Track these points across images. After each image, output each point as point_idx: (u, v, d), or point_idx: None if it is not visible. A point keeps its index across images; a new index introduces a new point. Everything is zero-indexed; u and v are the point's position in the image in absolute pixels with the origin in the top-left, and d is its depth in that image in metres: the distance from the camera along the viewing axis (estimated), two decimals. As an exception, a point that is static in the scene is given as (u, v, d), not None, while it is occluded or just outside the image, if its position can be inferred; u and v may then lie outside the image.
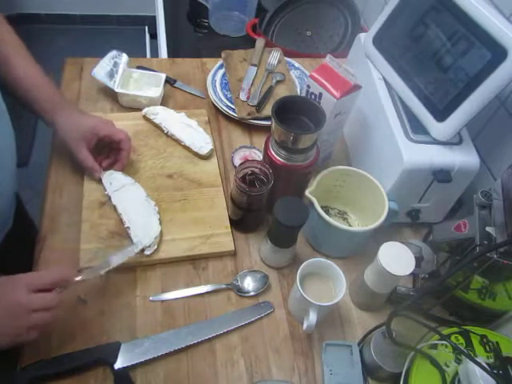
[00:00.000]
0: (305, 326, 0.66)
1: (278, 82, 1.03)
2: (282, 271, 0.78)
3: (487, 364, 0.54)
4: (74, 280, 0.62)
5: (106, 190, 0.79)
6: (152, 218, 0.76)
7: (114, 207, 0.78)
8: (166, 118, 0.92)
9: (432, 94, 0.75)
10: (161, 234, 0.75)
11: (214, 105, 1.01)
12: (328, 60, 0.78)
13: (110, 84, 0.93)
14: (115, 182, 0.80)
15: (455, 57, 0.71)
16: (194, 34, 1.39)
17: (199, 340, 0.67)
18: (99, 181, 0.80)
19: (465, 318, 0.73)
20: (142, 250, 0.73)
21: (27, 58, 0.76)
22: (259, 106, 0.97)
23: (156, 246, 0.74)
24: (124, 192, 0.79)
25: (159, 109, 0.93)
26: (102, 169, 0.81)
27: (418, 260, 0.73)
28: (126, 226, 0.75)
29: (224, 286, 0.73)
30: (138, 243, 0.72)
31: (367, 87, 0.81)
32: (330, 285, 0.70)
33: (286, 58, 1.10)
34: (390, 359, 0.63)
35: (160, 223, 0.76)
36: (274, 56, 1.08)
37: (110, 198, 0.78)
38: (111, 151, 0.83)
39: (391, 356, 0.63)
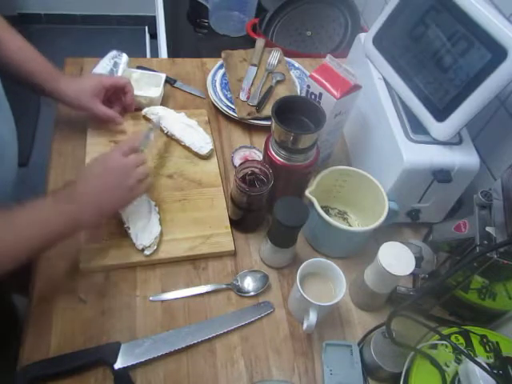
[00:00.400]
0: (305, 326, 0.66)
1: (278, 81, 1.03)
2: (282, 271, 0.78)
3: (487, 364, 0.54)
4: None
5: None
6: (152, 219, 0.76)
7: None
8: (166, 118, 0.92)
9: (432, 94, 0.75)
10: (161, 234, 0.75)
11: (214, 105, 1.01)
12: (328, 60, 0.78)
13: (110, 84, 0.93)
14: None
15: (455, 57, 0.71)
16: (194, 34, 1.39)
17: (199, 340, 0.67)
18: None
19: (465, 318, 0.73)
20: (142, 250, 0.73)
21: (17, 35, 0.78)
22: (259, 106, 0.97)
23: (156, 247, 0.74)
24: None
25: (159, 109, 0.93)
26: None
27: (418, 260, 0.73)
28: (125, 226, 0.75)
29: (224, 286, 0.73)
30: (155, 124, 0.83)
31: (367, 87, 0.81)
32: (329, 285, 0.70)
33: (286, 58, 1.10)
34: (390, 359, 0.63)
35: (160, 223, 0.76)
36: (274, 56, 1.08)
37: None
38: (115, 102, 0.89)
39: (391, 356, 0.63)
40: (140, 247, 0.73)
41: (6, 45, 0.75)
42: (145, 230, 0.74)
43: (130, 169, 0.69)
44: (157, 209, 0.78)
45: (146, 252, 0.73)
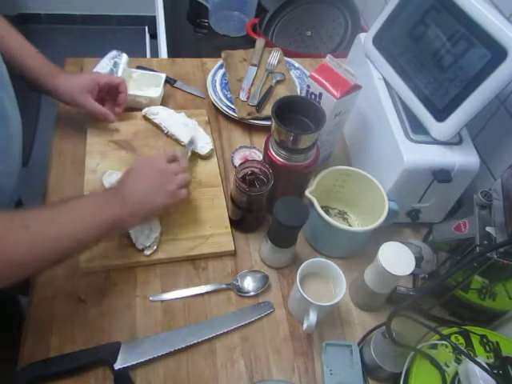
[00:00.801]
0: (305, 326, 0.65)
1: (278, 82, 1.03)
2: (282, 271, 0.78)
3: (487, 364, 0.54)
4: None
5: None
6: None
7: None
8: (166, 118, 0.92)
9: (432, 94, 0.75)
10: (161, 234, 0.75)
11: (214, 105, 1.01)
12: (328, 60, 0.78)
13: (110, 84, 0.93)
14: (115, 180, 0.80)
15: (455, 57, 0.71)
16: (193, 34, 1.39)
17: (199, 340, 0.67)
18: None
19: (465, 318, 0.73)
20: (142, 250, 0.73)
21: (18, 34, 0.79)
22: (259, 106, 0.97)
23: (156, 247, 0.74)
24: None
25: (159, 109, 0.93)
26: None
27: (418, 260, 0.73)
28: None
29: (224, 286, 0.73)
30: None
31: (367, 87, 0.81)
32: (329, 285, 0.70)
33: (286, 58, 1.10)
34: (390, 359, 0.63)
35: (160, 223, 0.76)
36: (274, 56, 1.08)
37: None
38: (108, 100, 0.89)
39: (391, 356, 0.63)
40: (140, 247, 0.73)
41: (8, 42, 0.76)
42: (145, 230, 0.74)
43: (170, 175, 0.70)
44: None
45: (146, 252, 0.73)
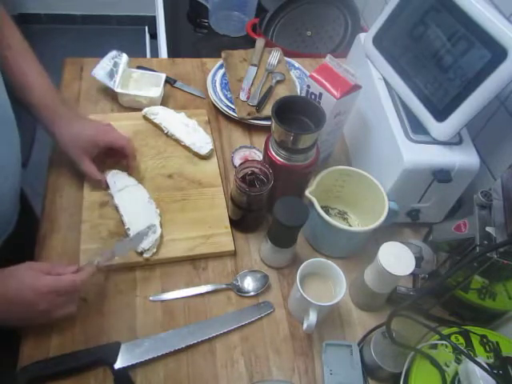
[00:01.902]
0: (305, 326, 0.65)
1: (278, 81, 1.03)
2: (282, 271, 0.78)
3: (487, 364, 0.54)
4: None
5: (109, 189, 0.79)
6: (153, 222, 0.75)
7: (116, 207, 0.78)
8: (166, 117, 0.92)
9: (432, 94, 0.75)
10: (161, 235, 0.75)
11: (214, 105, 1.01)
12: (328, 60, 0.78)
13: (110, 84, 0.93)
14: (119, 181, 0.80)
15: (455, 57, 0.71)
16: (193, 34, 1.39)
17: (199, 340, 0.67)
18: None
19: (465, 318, 0.73)
20: (141, 253, 0.73)
21: (33, 62, 0.75)
22: (259, 106, 0.97)
23: (155, 250, 0.73)
24: (126, 193, 0.79)
25: (159, 109, 0.93)
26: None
27: (418, 260, 0.73)
28: (126, 227, 0.75)
29: (224, 286, 0.73)
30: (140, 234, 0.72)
31: (367, 87, 0.81)
32: (329, 285, 0.70)
33: (286, 58, 1.10)
34: (390, 359, 0.63)
35: (161, 226, 0.76)
36: (274, 56, 1.08)
37: (112, 197, 0.78)
38: (116, 153, 0.82)
39: (391, 356, 0.63)
40: (139, 250, 0.72)
41: (23, 78, 0.73)
42: (144, 234, 0.73)
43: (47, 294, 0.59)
44: (158, 211, 0.78)
45: (146, 255, 0.73)
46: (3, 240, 0.76)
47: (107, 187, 0.80)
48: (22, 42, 0.76)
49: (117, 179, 0.80)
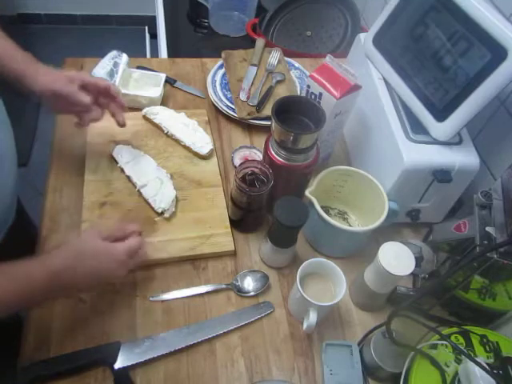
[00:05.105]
0: (305, 326, 0.66)
1: (278, 81, 1.03)
2: (282, 271, 0.78)
3: (487, 364, 0.54)
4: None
5: (117, 163, 0.83)
6: (166, 183, 0.80)
7: (128, 178, 0.82)
8: (166, 118, 0.92)
9: (432, 94, 0.75)
10: (176, 199, 0.79)
11: (214, 105, 1.01)
12: (328, 60, 0.78)
13: (110, 84, 0.93)
14: (126, 154, 0.84)
15: (455, 57, 0.71)
16: (193, 34, 1.39)
17: (199, 340, 0.67)
18: (110, 157, 0.85)
19: (465, 318, 0.73)
20: (162, 213, 0.77)
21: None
22: (259, 106, 0.97)
23: (174, 209, 0.78)
24: (136, 163, 0.83)
25: (159, 109, 0.93)
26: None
27: (418, 260, 0.73)
28: (143, 196, 0.79)
29: (224, 286, 0.73)
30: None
31: (367, 87, 0.81)
32: (329, 285, 0.70)
33: (286, 58, 1.10)
34: (390, 359, 0.63)
35: (174, 188, 0.80)
36: (274, 56, 1.08)
37: (122, 169, 0.82)
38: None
39: (391, 356, 0.63)
40: (159, 210, 0.77)
41: None
42: (162, 195, 0.78)
43: (114, 248, 0.64)
44: (169, 175, 0.82)
45: (166, 215, 0.77)
46: (1, 239, 0.76)
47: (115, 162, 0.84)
48: None
49: (122, 153, 0.84)
